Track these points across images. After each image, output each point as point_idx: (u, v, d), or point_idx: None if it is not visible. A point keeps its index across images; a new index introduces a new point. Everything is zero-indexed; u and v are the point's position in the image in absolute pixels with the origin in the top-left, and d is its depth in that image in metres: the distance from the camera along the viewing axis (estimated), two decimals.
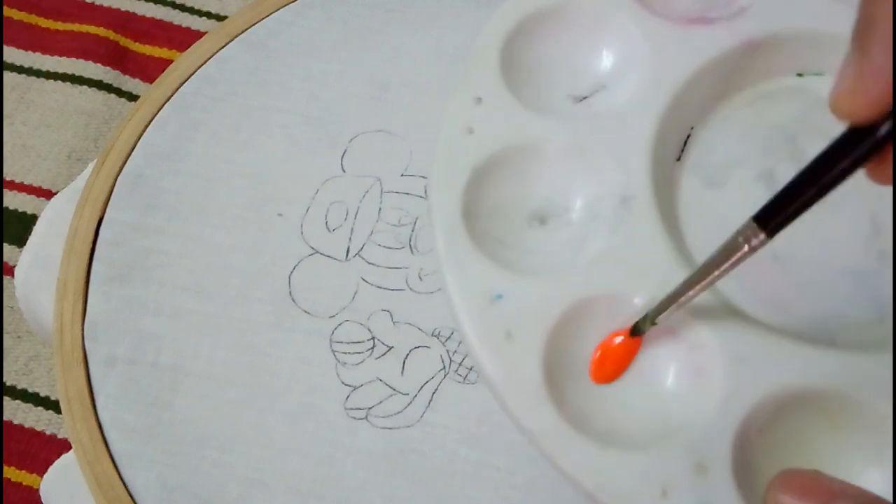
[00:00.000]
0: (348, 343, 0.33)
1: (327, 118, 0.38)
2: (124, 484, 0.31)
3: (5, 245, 0.72)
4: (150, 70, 0.80)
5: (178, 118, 0.38)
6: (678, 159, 0.29)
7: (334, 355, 0.33)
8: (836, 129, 0.28)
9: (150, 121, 0.38)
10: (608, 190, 0.27)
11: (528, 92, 0.29)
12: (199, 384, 0.33)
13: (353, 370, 0.33)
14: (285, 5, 0.41)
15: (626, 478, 0.23)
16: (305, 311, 0.34)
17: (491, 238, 0.27)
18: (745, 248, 0.22)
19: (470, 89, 0.29)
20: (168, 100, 0.39)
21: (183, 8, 0.83)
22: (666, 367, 0.25)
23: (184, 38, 0.81)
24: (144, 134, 0.38)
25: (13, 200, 0.73)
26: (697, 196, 0.28)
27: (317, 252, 0.35)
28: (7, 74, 0.79)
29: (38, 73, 0.79)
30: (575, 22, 0.30)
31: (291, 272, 0.35)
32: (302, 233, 0.36)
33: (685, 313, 0.25)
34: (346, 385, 0.33)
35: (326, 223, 0.36)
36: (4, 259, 0.71)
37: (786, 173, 0.28)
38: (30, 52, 0.80)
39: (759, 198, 0.27)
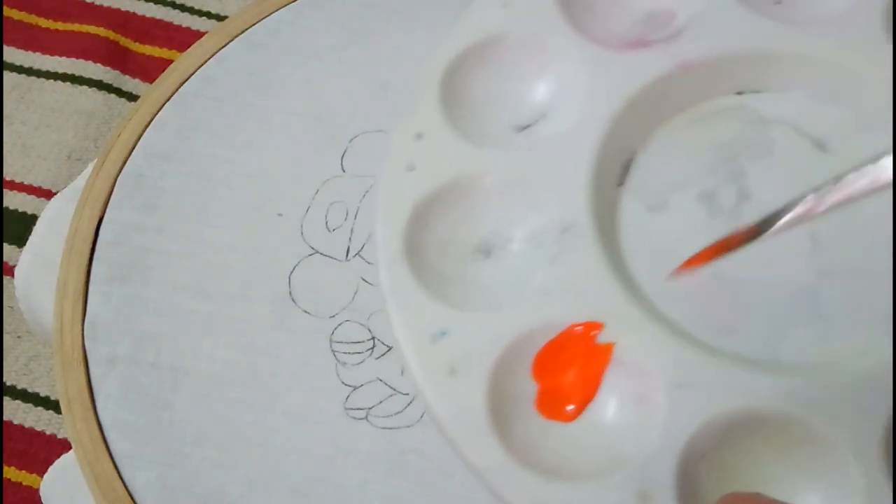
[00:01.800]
0: (348, 343, 0.33)
1: (327, 118, 0.38)
2: (124, 484, 0.31)
3: (5, 245, 0.72)
4: (150, 70, 0.80)
5: (178, 118, 0.38)
6: (620, 184, 0.29)
7: (334, 355, 0.33)
8: (776, 146, 0.29)
9: (150, 121, 0.38)
10: (550, 219, 0.28)
11: (469, 124, 0.29)
12: (199, 384, 0.33)
13: (353, 370, 0.33)
14: (285, 5, 0.41)
15: None
16: (305, 311, 0.34)
17: (435, 273, 0.27)
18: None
19: (410, 125, 0.29)
20: (168, 100, 0.39)
21: (183, 8, 0.83)
22: (608, 396, 0.26)
23: (184, 38, 0.81)
24: (144, 134, 0.38)
25: (13, 200, 0.73)
26: (640, 220, 0.29)
27: (317, 252, 0.35)
28: (7, 74, 0.79)
29: (38, 73, 0.79)
30: (513, 52, 0.30)
31: (291, 272, 0.35)
32: (302, 233, 0.36)
33: (628, 339, 0.26)
34: (346, 385, 0.33)
35: (326, 223, 0.36)
36: (4, 259, 0.71)
37: (727, 194, 0.29)
38: (30, 52, 0.80)
39: (701, 219, 0.28)
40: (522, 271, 0.28)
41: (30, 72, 0.79)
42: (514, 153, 0.29)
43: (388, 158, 0.29)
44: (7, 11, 0.82)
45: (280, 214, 0.36)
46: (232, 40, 0.40)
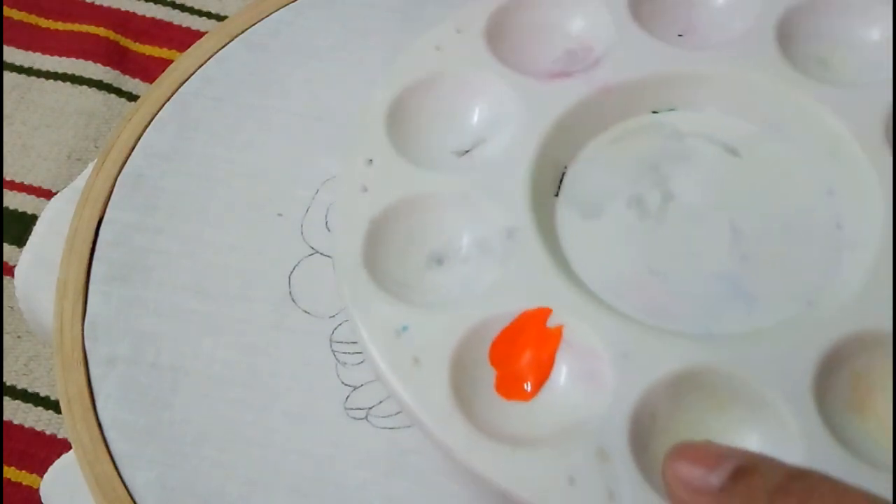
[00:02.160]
0: (348, 343, 0.33)
1: (327, 118, 0.38)
2: (124, 484, 0.31)
3: (5, 245, 0.72)
4: (150, 70, 0.80)
5: (178, 118, 0.38)
6: (556, 195, 0.32)
7: (334, 355, 0.33)
8: (693, 154, 0.33)
9: (150, 121, 0.38)
10: (495, 227, 0.30)
11: (415, 150, 0.32)
12: (199, 384, 0.33)
13: (353, 370, 0.33)
14: (285, 5, 0.41)
15: (536, 473, 0.26)
16: (305, 311, 0.34)
17: (394, 280, 0.30)
18: None
19: (362, 152, 0.32)
20: (168, 100, 0.39)
21: (183, 8, 0.83)
22: (561, 375, 0.28)
23: (184, 38, 0.81)
24: (144, 134, 0.38)
25: (13, 200, 0.73)
26: (577, 226, 0.32)
27: (317, 252, 0.35)
28: (7, 74, 0.79)
29: (38, 73, 0.79)
30: (451, 86, 0.33)
31: (291, 272, 0.35)
32: (302, 233, 0.36)
33: (575, 323, 0.28)
34: (346, 385, 0.33)
35: (326, 223, 0.36)
36: (4, 259, 0.71)
37: (653, 198, 0.32)
38: (30, 52, 0.80)
39: (632, 222, 0.32)
40: (474, 274, 0.30)
41: (30, 72, 0.79)
42: (457, 174, 0.32)
43: (342, 182, 0.31)
44: (7, 11, 0.82)
45: (280, 214, 0.36)
46: (232, 40, 0.40)
